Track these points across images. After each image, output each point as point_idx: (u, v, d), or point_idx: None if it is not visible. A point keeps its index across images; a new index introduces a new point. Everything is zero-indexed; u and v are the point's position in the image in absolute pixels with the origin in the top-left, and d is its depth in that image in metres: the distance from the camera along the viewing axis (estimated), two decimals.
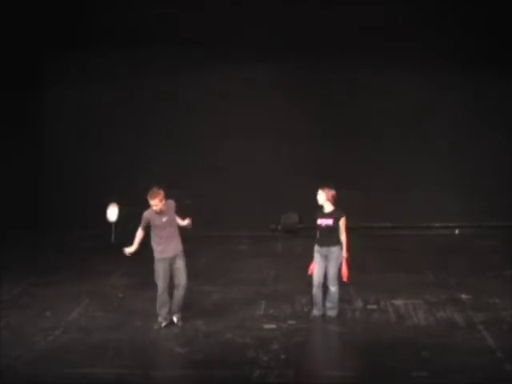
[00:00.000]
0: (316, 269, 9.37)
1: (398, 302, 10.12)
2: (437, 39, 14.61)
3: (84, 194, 15.19)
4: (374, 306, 9.93)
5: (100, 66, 15.21)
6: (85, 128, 15.31)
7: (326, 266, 9.33)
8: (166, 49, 14.88)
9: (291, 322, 9.40)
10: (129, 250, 9.29)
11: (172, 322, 9.39)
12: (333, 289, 9.33)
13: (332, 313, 9.39)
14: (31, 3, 14.31)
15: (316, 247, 9.40)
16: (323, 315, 9.42)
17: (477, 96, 14.93)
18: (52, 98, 15.49)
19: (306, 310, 9.87)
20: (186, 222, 9.44)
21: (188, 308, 9.76)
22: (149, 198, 9.12)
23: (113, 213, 9.73)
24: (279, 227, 15.27)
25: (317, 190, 9.47)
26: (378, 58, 14.63)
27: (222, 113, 15.06)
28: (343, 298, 9.54)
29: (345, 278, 9.28)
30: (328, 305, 9.42)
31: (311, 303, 9.95)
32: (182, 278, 9.30)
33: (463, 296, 10.33)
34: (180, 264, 9.28)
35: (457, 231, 15.08)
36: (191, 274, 11.59)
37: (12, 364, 8.09)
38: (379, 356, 8.31)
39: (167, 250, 9.22)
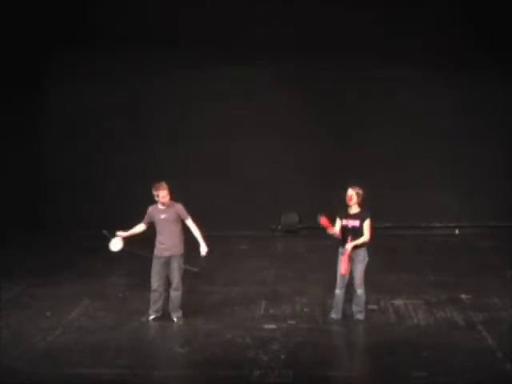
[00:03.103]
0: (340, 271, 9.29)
1: (398, 302, 10.12)
2: (437, 39, 14.60)
3: (84, 194, 15.20)
4: (374, 306, 9.93)
5: (100, 65, 15.20)
6: (85, 128, 15.30)
7: (352, 268, 9.24)
8: (166, 49, 14.88)
9: (291, 322, 9.40)
10: (120, 234, 9.39)
11: (172, 320, 9.44)
12: (359, 291, 9.26)
13: (360, 316, 9.33)
14: (33, 3, 14.32)
15: (341, 249, 9.27)
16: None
17: (477, 96, 14.92)
18: (53, 98, 15.48)
19: (306, 310, 9.87)
20: (202, 249, 9.42)
21: (188, 308, 9.77)
22: (156, 189, 9.24)
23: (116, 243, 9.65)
24: (279, 227, 15.27)
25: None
26: (378, 57, 14.64)
27: (222, 113, 15.06)
28: (345, 298, 9.52)
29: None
30: (355, 308, 9.36)
31: (312, 303, 9.99)
32: (175, 280, 9.35)
33: (463, 296, 10.34)
34: (175, 265, 9.32)
35: (457, 231, 15.08)
36: (191, 273, 11.63)
37: (12, 364, 8.09)
38: (379, 356, 8.31)
39: (163, 249, 9.28)
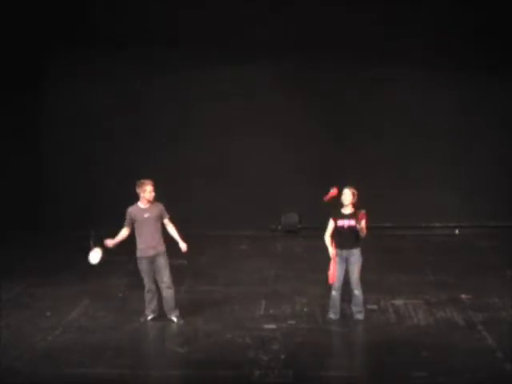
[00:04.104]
0: (336, 272, 9.26)
1: (398, 302, 10.12)
2: (437, 39, 14.60)
3: (84, 194, 15.21)
4: (374, 306, 9.93)
5: (100, 65, 15.21)
6: (85, 128, 15.31)
7: (348, 269, 9.22)
8: (166, 49, 14.88)
9: (291, 322, 9.40)
10: (110, 242, 9.29)
11: (172, 321, 9.44)
12: (357, 292, 9.25)
13: (360, 316, 9.33)
14: (33, 3, 14.32)
15: (336, 250, 9.22)
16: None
17: (477, 96, 14.92)
18: (53, 98, 15.49)
19: (306, 310, 9.87)
20: (182, 245, 9.42)
21: (188, 308, 9.78)
22: (143, 184, 9.23)
23: (95, 256, 9.53)
24: (279, 227, 15.27)
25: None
26: (378, 57, 14.64)
27: (222, 113, 15.06)
28: (343, 298, 9.53)
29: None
30: (354, 309, 9.35)
31: (312, 303, 9.99)
32: (165, 278, 9.33)
33: (463, 296, 10.33)
34: (161, 263, 9.30)
35: (457, 231, 15.07)
36: (191, 273, 11.66)
37: (12, 364, 8.09)
38: (379, 356, 8.31)
39: (147, 249, 9.27)
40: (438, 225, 15.23)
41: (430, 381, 7.50)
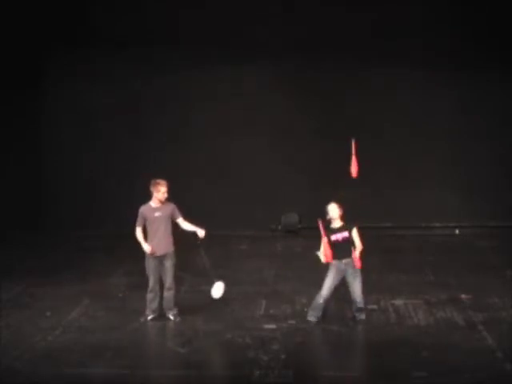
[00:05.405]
0: (328, 282, 9.18)
1: (398, 302, 10.12)
2: (437, 39, 14.60)
3: (84, 194, 15.21)
4: (374, 306, 9.92)
5: (100, 65, 15.21)
6: (85, 128, 15.32)
7: (349, 282, 9.17)
8: (166, 49, 14.89)
9: (291, 322, 9.40)
10: (148, 249, 9.27)
11: (168, 318, 9.48)
12: (361, 305, 9.23)
13: (362, 316, 9.32)
14: (33, 3, 14.32)
15: (334, 261, 9.18)
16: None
17: (477, 96, 14.92)
18: (53, 98, 15.50)
19: (306, 309, 9.86)
20: (200, 232, 9.38)
21: (188, 308, 9.78)
22: (159, 184, 9.24)
23: (218, 290, 9.63)
24: (279, 227, 15.27)
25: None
26: (378, 57, 14.64)
27: (222, 113, 15.07)
28: (343, 298, 9.54)
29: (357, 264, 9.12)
30: (356, 314, 9.34)
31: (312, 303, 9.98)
32: (168, 279, 9.37)
33: (463, 296, 10.33)
34: (168, 264, 9.34)
35: (457, 231, 15.07)
36: (191, 273, 11.64)
37: (12, 364, 8.09)
38: (379, 356, 8.31)
39: (157, 248, 9.27)
40: (438, 225, 15.23)
41: (430, 381, 7.50)
